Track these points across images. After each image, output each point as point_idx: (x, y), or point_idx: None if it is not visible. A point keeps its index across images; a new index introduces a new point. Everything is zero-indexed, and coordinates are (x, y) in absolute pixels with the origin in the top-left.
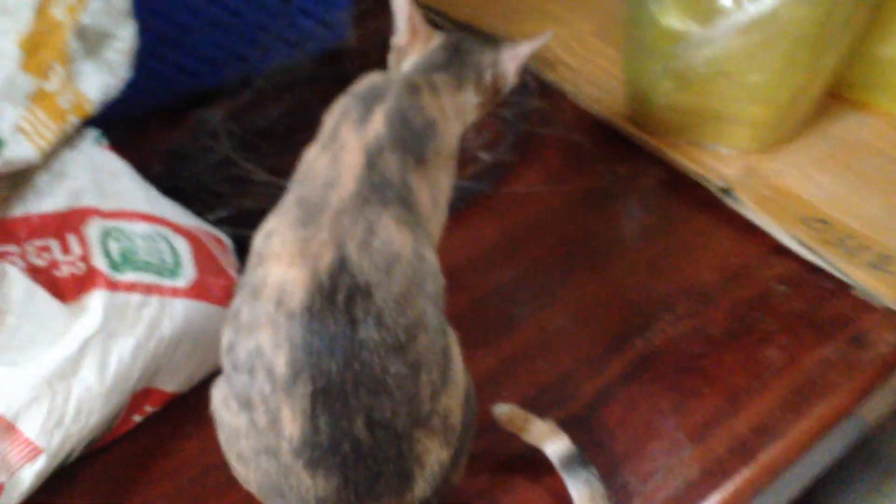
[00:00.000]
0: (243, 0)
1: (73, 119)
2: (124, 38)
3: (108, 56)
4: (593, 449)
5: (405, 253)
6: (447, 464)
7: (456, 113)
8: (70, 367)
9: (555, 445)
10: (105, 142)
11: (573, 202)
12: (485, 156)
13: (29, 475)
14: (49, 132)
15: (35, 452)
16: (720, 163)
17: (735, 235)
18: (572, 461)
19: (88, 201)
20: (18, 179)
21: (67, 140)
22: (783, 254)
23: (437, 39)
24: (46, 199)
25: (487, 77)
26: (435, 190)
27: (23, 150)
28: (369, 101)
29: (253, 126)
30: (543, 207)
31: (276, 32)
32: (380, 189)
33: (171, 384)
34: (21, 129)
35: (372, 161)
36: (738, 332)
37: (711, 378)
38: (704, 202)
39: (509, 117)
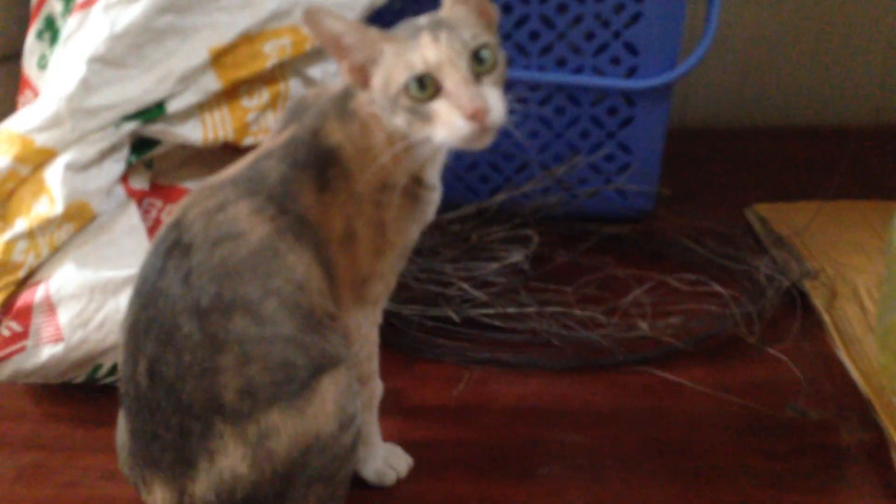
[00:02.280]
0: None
1: (262, 138)
2: None
3: None
4: None
5: (250, 239)
6: (249, 486)
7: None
8: (113, 288)
9: None
10: None
11: (714, 412)
12: (644, 326)
13: (47, 353)
14: (223, 132)
15: (58, 338)
16: None
17: None
18: None
19: None
20: (203, 160)
21: None
22: None
23: None
24: None
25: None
26: (354, 220)
27: (190, 132)
28: (290, 118)
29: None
30: (680, 406)
31: (566, 181)
32: (251, 182)
33: None
34: (199, 116)
35: (257, 160)
36: None
37: None
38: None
39: (710, 310)
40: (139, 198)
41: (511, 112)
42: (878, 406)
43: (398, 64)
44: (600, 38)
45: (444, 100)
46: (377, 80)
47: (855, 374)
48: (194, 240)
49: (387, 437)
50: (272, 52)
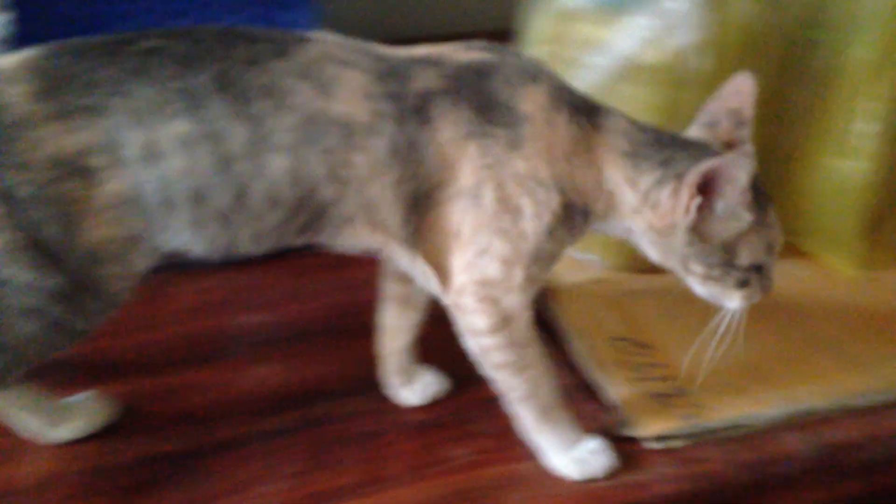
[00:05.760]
0: None
1: None
2: None
3: None
4: None
5: (334, 107)
6: None
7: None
8: None
9: None
10: None
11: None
12: None
13: None
14: None
15: None
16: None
17: None
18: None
19: None
20: None
21: None
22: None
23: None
24: None
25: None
26: (485, 186)
27: None
28: (486, 49)
29: None
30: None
31: None
32: (391, 72)
33: None
34: None
35: (413, 59)
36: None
37: None
38: None
39: None
40: None
41: None
42: None
43: (759, 243)
44: None
45: (757, 277)
46: (714, 228)
47: None
48: (298, 57)
49: None
50: None
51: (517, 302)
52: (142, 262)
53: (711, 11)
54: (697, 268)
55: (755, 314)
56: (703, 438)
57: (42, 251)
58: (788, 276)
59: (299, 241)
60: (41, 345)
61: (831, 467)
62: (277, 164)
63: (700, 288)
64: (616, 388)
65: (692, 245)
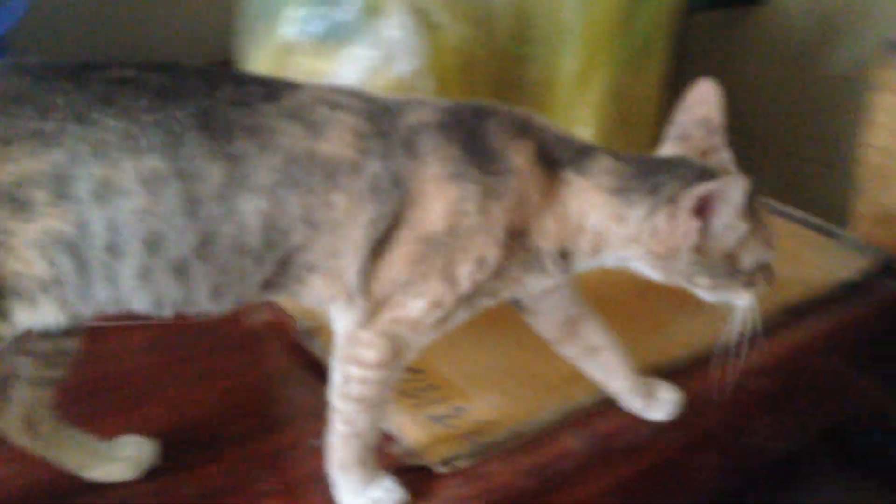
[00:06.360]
0: None
1: None
2: None
3: None
4: None
5: (323, 147)
6: None
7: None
8: None
9: None
10: None
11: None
12: None
13: None
14: None
15: None
16: None
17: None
18: None
19: None
20: None
21: None
22: None
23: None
24: None
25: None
26: (450, 233)
27: None
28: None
29: None
30: None
31: None
32: (379, 110)
33: None
34: None
35: (405, 100)
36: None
37: None
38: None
39: None
40: None
41: None
42: None
43: (758, 244)
44: None
45: (761, 272)
46: (714, 244)
47: None
48: (288, 100)
49: None
50: None
51: (418, 342)
52: (49, 313)
53: (426, 38)
54: (704, 280)
55: (514, 319)
56: (488, 453)
57: None
58: None
59: (262, 298)
60: None
61: (604, 456)
62: (251, 207)
63: (708, 295)
64: (397, 418)
65: (696, 263)
